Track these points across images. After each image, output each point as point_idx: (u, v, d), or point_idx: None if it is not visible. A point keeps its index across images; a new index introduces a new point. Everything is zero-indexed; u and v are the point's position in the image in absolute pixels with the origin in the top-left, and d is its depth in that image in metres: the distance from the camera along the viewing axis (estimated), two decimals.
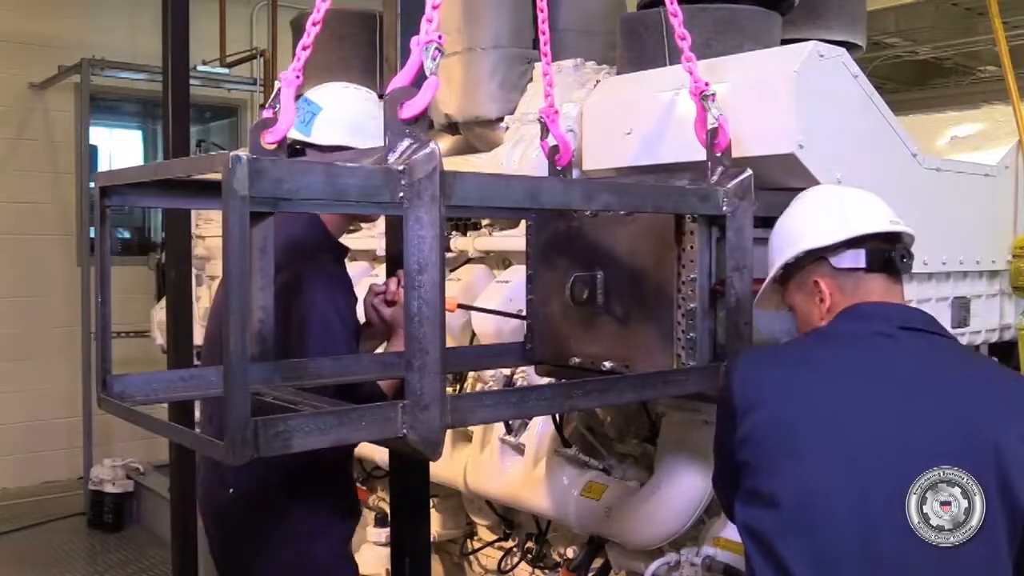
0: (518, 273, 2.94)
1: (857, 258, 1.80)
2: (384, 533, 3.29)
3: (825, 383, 1.69)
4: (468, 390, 3.11)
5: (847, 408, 1.64)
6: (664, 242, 2.11)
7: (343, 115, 2.29)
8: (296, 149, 2.27)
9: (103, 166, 7.71)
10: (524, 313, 2.53)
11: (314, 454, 2.14)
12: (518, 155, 2.97)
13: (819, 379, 1.71)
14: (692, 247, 2.07)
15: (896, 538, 1.55)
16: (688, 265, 2.07)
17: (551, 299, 2.37)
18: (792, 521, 1.61)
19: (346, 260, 2.50)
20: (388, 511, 2.82)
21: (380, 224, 2.98)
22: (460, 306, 2.73)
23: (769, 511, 1.64)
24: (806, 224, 1.87)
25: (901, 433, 1.60)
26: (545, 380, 2.51)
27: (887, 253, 1.80)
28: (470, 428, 3.06)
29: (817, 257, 1.83)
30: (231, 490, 2.31)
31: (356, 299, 2.37)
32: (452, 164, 3.19)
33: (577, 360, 2.31)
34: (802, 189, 2.03)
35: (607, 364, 2.22)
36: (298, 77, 1.83)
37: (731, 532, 2.40)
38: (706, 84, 2.08)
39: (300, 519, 2.28)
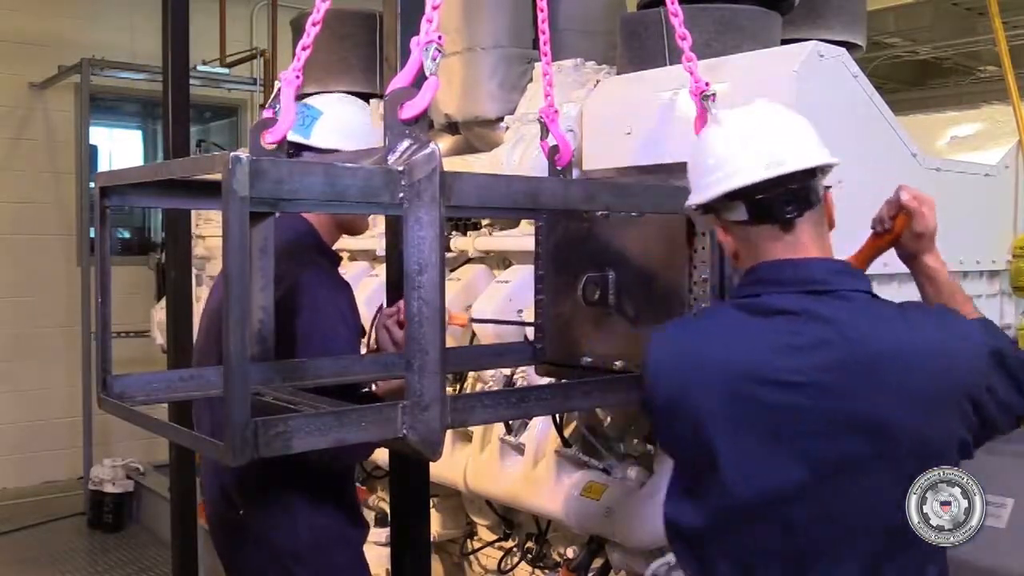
0: (518, 273, 2.94)
1: (741, 211, 1.65)
2: (384, 533, 3.28)
3: (734, 386, 1.58)
4: (468, 390, 3.11)
5: (761, 413, 1.56)
6: (675, 242, 2.10)
7: (342, 122, 2.34)
8: (289, 153, 2.29)
9: (103, 166, 7.70)
10: (530, 312, 2.52)
11: (322, 466, 2.14)
12: (518, 155, 2.97)
13: (728, 378, 1.59)
14: (704, 247, 2.06)
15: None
16: (700, 265, 2.06)
17: (562, 299, 2.36)
18: (717, 536, 1.62)
19: (346, 260, 2.50)
20: (388, 511, 2.81)
21: (380, 224, 2.99)
22: (472, 320, 2.73)
23: (698, 524, 1.64)
24: (693, 175, 1.75)
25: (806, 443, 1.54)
26: (545, 380, 2.51)
27: (767, 202, 1.62)
28: (470, 428, 3.06)
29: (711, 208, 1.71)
30: (241, 511, 2.31)
31: (355, 300, 2.38)
32: (452, 164, 3.19)
33: (588, 360, 2.30)
34: None
35: (618, 364, 2.21)
36: (298, 77, 1.83)
37: None
38: (706, 84, 2.07)
39: (318, 531, 2.28)
